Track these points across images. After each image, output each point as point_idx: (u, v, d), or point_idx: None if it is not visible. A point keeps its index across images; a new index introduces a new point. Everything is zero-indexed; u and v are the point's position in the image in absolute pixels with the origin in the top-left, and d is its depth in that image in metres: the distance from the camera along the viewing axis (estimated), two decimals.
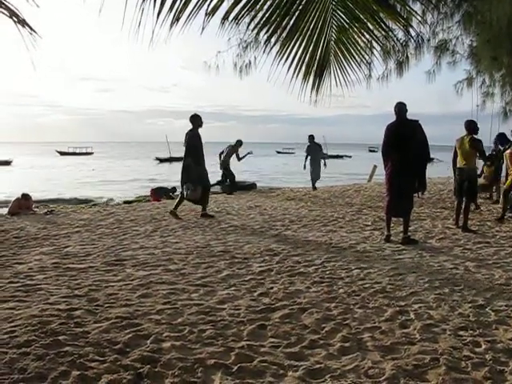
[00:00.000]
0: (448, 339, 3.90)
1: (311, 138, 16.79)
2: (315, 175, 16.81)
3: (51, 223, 9.69)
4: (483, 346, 3.77)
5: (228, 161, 16.16)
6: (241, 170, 21.87)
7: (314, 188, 16.72)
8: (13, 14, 2.93)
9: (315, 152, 16.77)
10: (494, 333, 4.07)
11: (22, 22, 2.98)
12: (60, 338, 3.73)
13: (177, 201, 10.73)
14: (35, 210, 12.06)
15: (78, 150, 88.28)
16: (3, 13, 2.95)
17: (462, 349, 3.72)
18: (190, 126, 10.26)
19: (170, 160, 58.34)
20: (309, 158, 16.70)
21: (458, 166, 9.12)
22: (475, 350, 3.71)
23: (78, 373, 3.19)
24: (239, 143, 16.41)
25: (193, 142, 10.18)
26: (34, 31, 3.03)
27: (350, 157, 53.01)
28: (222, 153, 16.26)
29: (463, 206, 8.95)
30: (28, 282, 5.37)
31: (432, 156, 10.76)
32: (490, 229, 9.07)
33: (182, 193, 10.54)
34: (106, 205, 15.54)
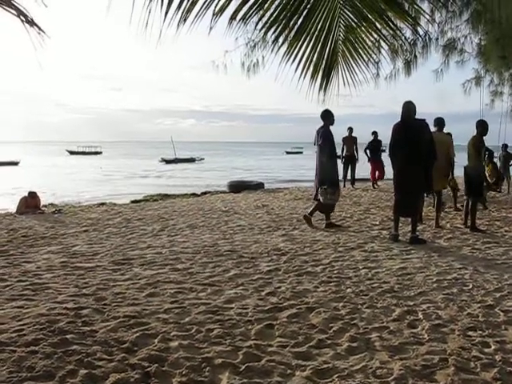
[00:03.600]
0: (457, 339, 3.88)
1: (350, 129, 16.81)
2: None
3: (59, 222, 9.74)
4: (492, 347, 3.75)
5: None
6: (250, 170, 21.81)
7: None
8: (21, 14, 2.93)
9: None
10: (503, 333, 4.04)
11: (31, 22, 2.99)
12: (68, 336, 3.74)
13: (313, 206, 9.55)
14: (43, 209, 12.11)
15: (87, 150, 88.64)
16: (11, 12, 2.95)
17: (471, 349, 3.69)
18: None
19: (176, 161, 58.35)
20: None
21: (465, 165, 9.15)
22: (484, 351, 3.68)
23: (86, 371, 3.19)
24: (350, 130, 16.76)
25: (328, 139, 9.22)
26: (43, 31, 3.03)
27: None
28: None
29: (470, 206, 8.93)
30: (36, 280, 5.39)
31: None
32: (498, 228, 9.02)
33: (317, 198, 9.42)
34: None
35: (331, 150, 9.37)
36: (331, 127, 9.33)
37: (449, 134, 10.16)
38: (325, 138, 9.18)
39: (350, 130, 16.64)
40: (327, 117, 9.23)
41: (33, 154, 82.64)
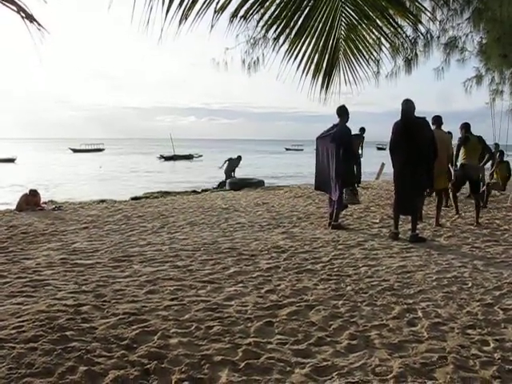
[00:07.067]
0: (456, 337, 3.88)
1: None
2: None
3: (59, 219, 9.74)
4: (492, 345, 3.75)
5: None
6: (250, 167, 21.82)
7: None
8: (20, 9, 2.92)
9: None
10: (502, 331, 4.05)
11: (30, 18, 2.98)
12: (67, 333, 3.74)
13: (334, 211, 8.81)
14: (43, 206, 12.11)
15: (89, 147, 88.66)
16: (11, 8, 2.95)
17: (470, 347, 3.70)
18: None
19: (174, 158, 58.51)
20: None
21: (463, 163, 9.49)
22: (483, 349, 3.68)
23: (85, 368, 3.19)
24: (363, 131, 16.00)
25: (350, 138, 8.86)
26: (42, 27, 3.03)
27: None
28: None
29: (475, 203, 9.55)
30: (36, 277, 5.40)
31: None
32: (498, 227, 9.02)
33: (333, 198, 8.80)
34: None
35: (353, 148, 9.01)
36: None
37: (449, 133, 10.29)
38: (346, 136, 8.72)
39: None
40: (345, 113, 8.72)
41: (32, 150, 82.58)
